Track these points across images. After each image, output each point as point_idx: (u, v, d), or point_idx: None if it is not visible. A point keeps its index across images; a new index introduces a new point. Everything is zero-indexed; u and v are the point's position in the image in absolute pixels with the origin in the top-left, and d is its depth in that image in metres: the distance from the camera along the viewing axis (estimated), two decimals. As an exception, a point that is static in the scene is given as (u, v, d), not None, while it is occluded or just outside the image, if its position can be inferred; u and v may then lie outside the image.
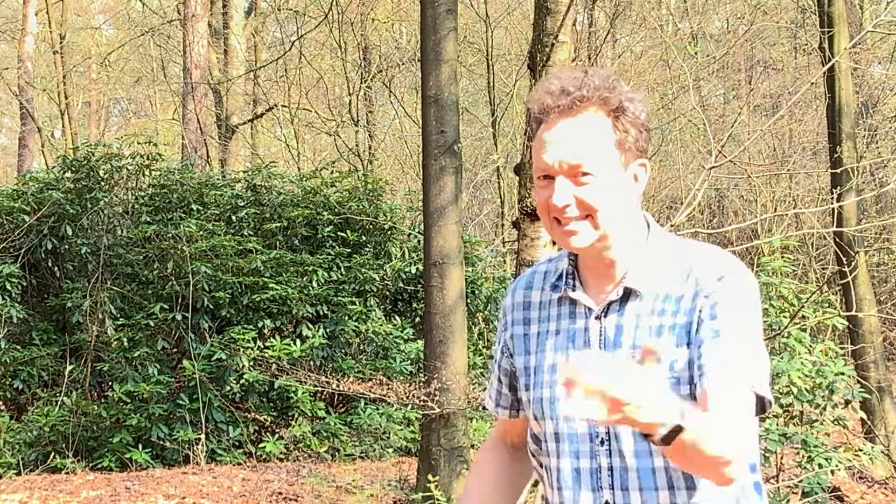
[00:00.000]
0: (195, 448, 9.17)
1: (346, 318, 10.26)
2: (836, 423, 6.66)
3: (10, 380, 9.73)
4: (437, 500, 7.04)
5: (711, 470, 1.73)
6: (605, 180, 1.87)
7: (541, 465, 2.04)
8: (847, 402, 6.77)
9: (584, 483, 1.91)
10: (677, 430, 1.61)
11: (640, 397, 1.55)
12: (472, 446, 8.48)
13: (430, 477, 7.25)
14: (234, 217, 11.11)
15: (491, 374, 2.20)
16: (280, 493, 8.14)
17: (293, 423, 9.67)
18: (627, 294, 1.92)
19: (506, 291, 2.18)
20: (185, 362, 9.56)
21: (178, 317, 9.78)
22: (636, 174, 1.93)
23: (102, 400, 9.78)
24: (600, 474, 1.89)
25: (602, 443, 1.89)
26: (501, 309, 2.16)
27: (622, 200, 1.90)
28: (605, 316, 1.93)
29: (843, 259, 8.38)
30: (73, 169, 10.70)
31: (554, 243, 6.28)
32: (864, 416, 8.80)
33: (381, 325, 10.50)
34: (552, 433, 1.96)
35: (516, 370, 2.08)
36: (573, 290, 1.97)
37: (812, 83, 10.92)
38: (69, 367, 9.81)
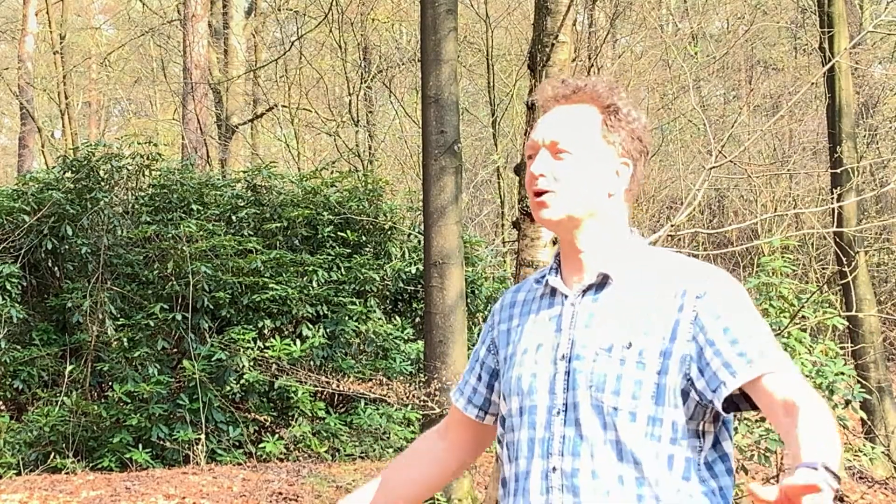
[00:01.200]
0: (195, 448, 9.16)
1: (346, 318, 10.25)
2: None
3: (10, 380, 9.72)
4: (437, 500, 7.04)
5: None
6: (582, 162, 1.97)
7: (503, 446, 2.08)
8: (847, 403, 6.77)
9: (537, 451, 1.96)
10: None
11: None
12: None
13: (430, 477, 7.23)
14: (234, 217, 11.11)
15: (465, 372, 2.25)
16: (280, 494, 8.13)
17: (293, 423, 9.66)
18: (604, 281, 1.98)
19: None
20: (185, 362, 9.55)
21: (178, 317, 9.77)
22: (618, 170, 2.01)
23: (102, 400, 9.77)
24: (552, 442, 1.93)
25: (558, 413, 1.94)
26: (490, 312, 2.23)
27: (597, 187, 1.98)
28: (580, 300, 1.99)
29: (843, 259, 8.38)
30: (74, 169, 10.69)
31: (554, 243, 6.28)
32: (864, 416, 8.80)
33: (381, 325, 10.49)
34: (517, 408, 2.01)
35: (499, 363, 2.14)
36: (553, 277, 2.05)
37: (812, 83, 10.93)
38: (69, 367, 9.80)
